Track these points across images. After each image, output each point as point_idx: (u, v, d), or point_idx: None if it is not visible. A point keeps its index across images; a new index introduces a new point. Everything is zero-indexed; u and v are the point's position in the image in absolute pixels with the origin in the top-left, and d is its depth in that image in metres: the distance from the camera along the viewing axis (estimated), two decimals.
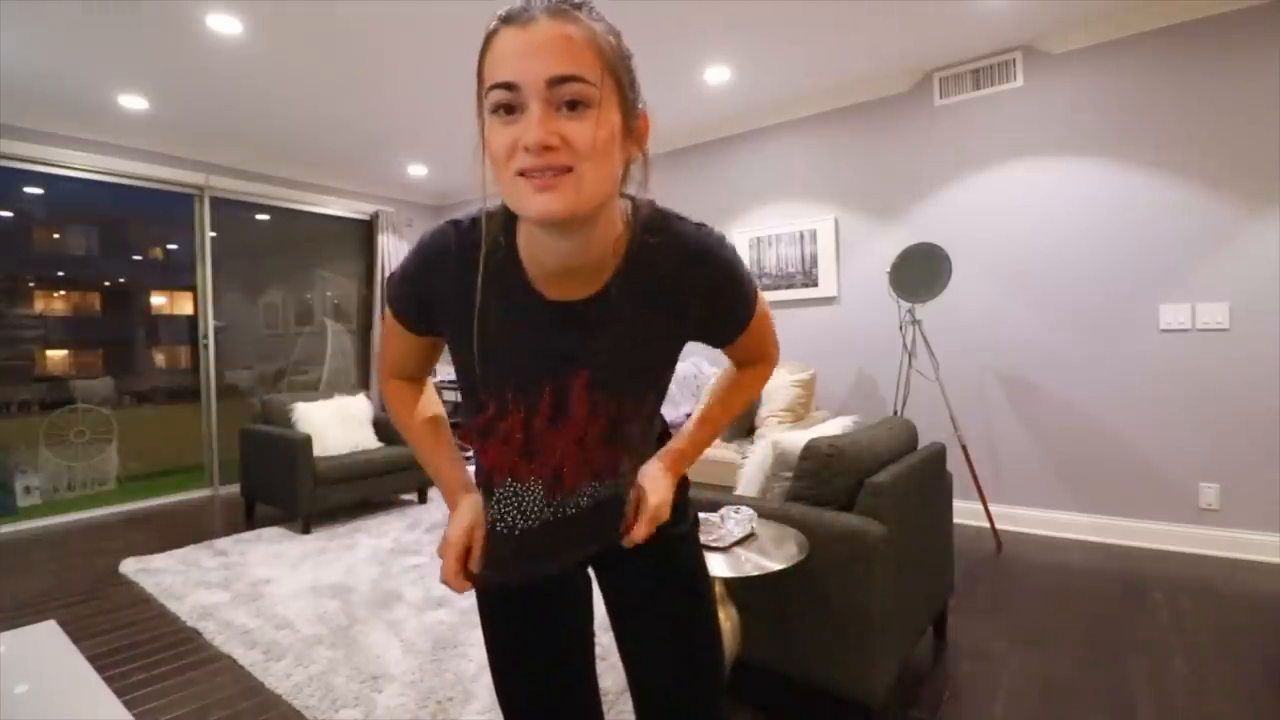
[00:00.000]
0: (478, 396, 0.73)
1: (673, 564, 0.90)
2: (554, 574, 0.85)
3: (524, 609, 0.87)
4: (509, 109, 0.59)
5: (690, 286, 0.73)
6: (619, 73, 0.62)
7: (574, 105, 0.58)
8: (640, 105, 0.66)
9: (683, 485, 0.93)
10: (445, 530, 0.79)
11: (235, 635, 2.29)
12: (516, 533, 0.77)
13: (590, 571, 0.94)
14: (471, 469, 0.84)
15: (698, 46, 3.23)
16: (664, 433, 0.95)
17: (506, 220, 0.71)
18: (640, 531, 0.80)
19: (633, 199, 0.72)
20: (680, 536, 0.91)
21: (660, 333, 0.74)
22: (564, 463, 0.75)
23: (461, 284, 0.71)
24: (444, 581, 0.77)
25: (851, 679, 1.54)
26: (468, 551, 0.78)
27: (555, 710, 0.87)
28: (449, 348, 0.79)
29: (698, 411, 0.93)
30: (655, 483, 0.84)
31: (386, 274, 5.69)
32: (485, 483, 0.78)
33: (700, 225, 0.74)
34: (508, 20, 0.60)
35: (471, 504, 0.80)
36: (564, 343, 0.71)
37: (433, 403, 0.89)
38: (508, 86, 0.58)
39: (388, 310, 0.81)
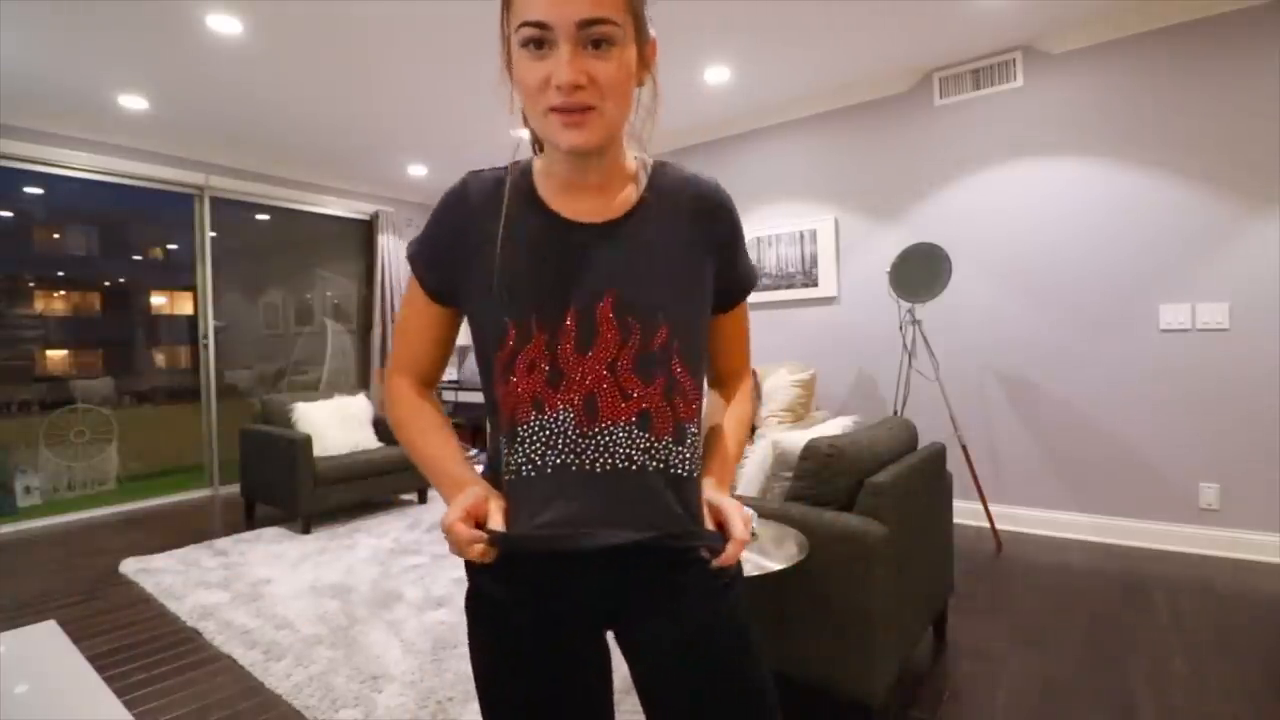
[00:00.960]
0: (498, 341, 0.71)
1: (720, 618, 0.74)
2: (576, 551, 0.69)
3: (526, 663, 0.74)
4: (539, 44, 0.63)
5: (710, 218, 0.77)
6: (637, 9, 0.66)
7: (599, 44, 0.63)
8: (651, 32, 0.70)
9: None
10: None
11: (235, 635, 2.29)
12: (549, 470, 0.69)
13: (610, 638, 0.79)
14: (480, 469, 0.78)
15: (698, 46, 3.23)
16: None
17: (525, 165, 0.77)
18: (734, 551, 0.69)
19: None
20: (729, 581, 0.76)
21: (684, 254, 0.75)
22: (595, 389, 0.69)
23: (482, 220, 0.74)
24: (458, 549, 0.64)
25: (851, 679, 1.54)
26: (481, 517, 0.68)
27: None
28: (468, 311, 0.76)
29: (712, 437, 0.84)
30: (726, 499, 0.74)
31: (387, 274, 5.70)
32: (508, 430, 0.71)
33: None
34: None
35: (482, 486, 0.71)
36: (587, 264, 0.71)
37: (438, 409, 0.82)
38: (540, 25, 0.62)
39: (409, 283, 0.81)
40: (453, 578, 2.80)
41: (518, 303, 0.70)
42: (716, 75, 3.57)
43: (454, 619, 2.38)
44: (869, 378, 3.83)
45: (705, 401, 0.86)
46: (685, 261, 0.74)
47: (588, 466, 0.69)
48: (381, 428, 4.25)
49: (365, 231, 5.82)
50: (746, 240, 4.19)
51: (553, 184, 0.74)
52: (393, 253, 5.78)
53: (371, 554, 3.16)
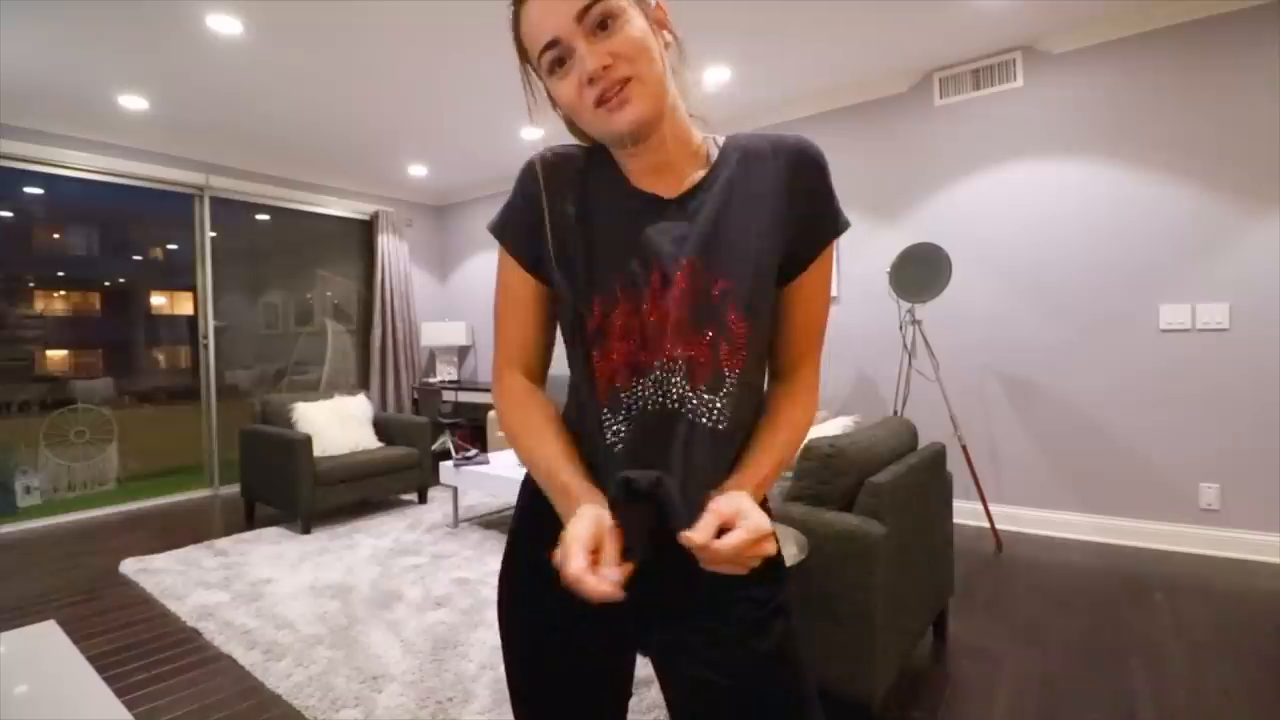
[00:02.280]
0: (586, 311, 0.71)
1: (768, 652, 0.71)
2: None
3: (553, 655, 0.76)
4: (560, 61, 0.66)
5: (787, 163, 0.73)
6: None
7: (604, 25, 0.65)
8: None
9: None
10: (563, 534, 0.61)
11: (235, 635, 2.29)
12: (635, 410, 0.69)
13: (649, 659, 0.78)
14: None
15: (698, 46, 3.23)
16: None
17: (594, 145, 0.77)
18: (734, 540, 0.58)
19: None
20: (778, 608, 0.72)
21: (757, 212, 0.72)
22: (672, 355, 0.68)
23: (560, 193, 0.74)
24: (573, 582, 0.57)
25: (851, 679, 1.54)
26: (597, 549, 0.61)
27: None
28: (553, 283, 0.75)
29: (758, 443, 0.75)
30: (740, 500, 0.62)
31: (387, 274, 5.70)
32: (608, 398, 0.70)
33: None
34: None
35: (594, 507, 0.64)
36: (666, 232, 0.71)
37: (544, 405, 0.77)
38: (551, 45, 0.66)
39: (499, 267, 0.79)
40: (453, 578, 2.80)
41: (604, 275, 0.71)
42: (716, 75, 3.57)
43: (454, 619, 2.38)
44: (869, 378, 3.83)
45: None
46: (763, 212, 0.72)
47: (665, 408, 0.69)
48: (381, 428, 4.24)
49: (365, 231, 5.82)
50: None
51: (627, 164, 0.75)
52: (392, 253, 5.78)
53: (371, 554, 3.16)
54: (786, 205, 0.72)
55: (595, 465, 0.72)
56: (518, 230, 0.77)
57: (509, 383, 0.78)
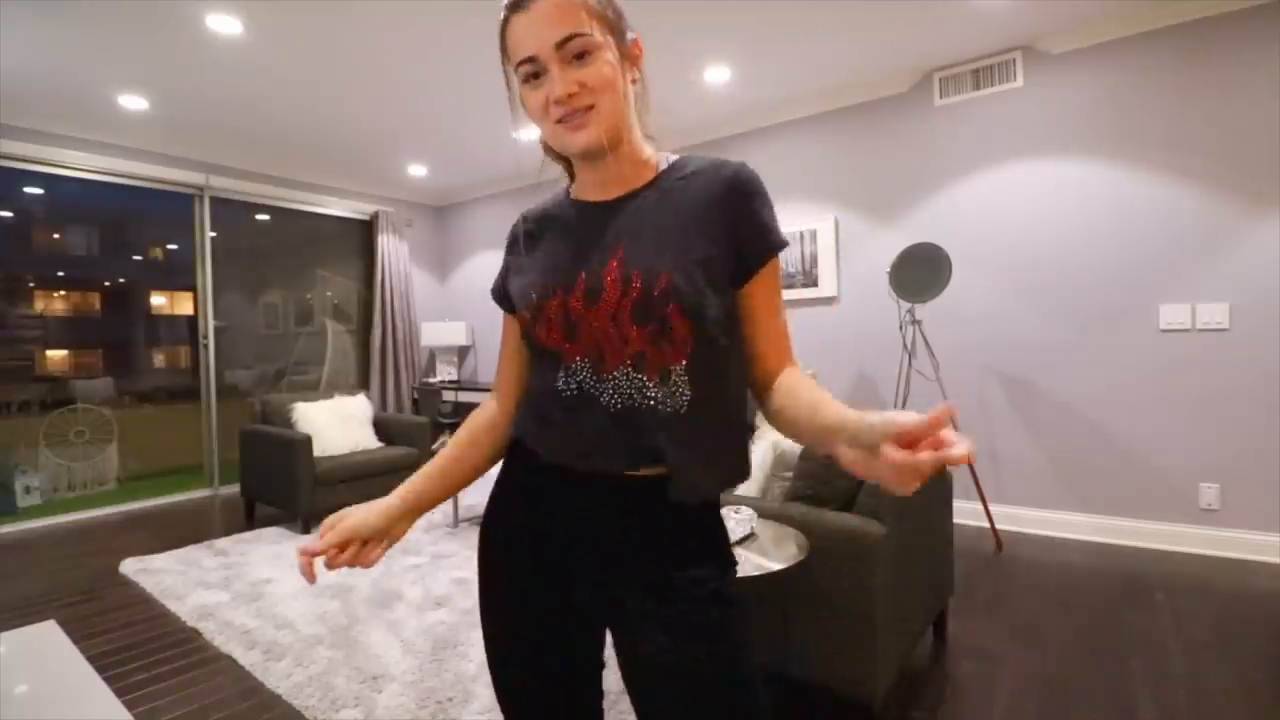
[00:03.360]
0: (524, 304, 0.81)
1: (702, 636, 0.73)
2: (574, 462, 0.76)
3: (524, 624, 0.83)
4: (535, 75, 0.74)
5: (726, 188, 0.77)
6: (607, 18, 0.75)
7: (581, 56, 0.72)
8: (630, 34, 0.78)
9: (714, 518, 0.80)
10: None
11: (235, 635, 2.29)
12: (565, 395, 0.77)
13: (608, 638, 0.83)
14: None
15: (698, 46, 3.23)
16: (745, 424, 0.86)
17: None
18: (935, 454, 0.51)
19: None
20: (714, 595, 0.74)
21: (689, 215, 0.76)
22: (602, 343, 0.75)
23: (526, 228, 0.88)
24: (298, 551, 0.77)
25: (851, 679, 1.54)
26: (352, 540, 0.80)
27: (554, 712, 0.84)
28: (515, 298, 0.85)
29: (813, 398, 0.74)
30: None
31: (386, 274, 5.70)
32: (544, 389, 0.81)
33: None
34: (513, 8, 0.74)
35: (378, 507, 0.82)
36: (598, 231, 0.79)
37: (468, 439, 0.89)
38: (530, 60, 0.73)
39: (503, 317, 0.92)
40: (453, 577, 2.80)
41: (542, 273, 0.80)
42: (716, 75, 3.57)
43: (454, 619, 2.38)
44: (869, 378, 3.83)
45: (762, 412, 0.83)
46: (694, 221, 0.76)
47: (596, 402, 0.75)
48: (381, 428, 4.24)
49: (365, 231, 5.82)
50: None
51: (582, 187, 0.85)
52: (392, 253, 5.78)
53: None
54: (719, 214, 0.76)
55: (539, 434, 0.81)
56: (500, 282, 0.89)
57: (475, 410, 0.93)
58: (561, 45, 0.71)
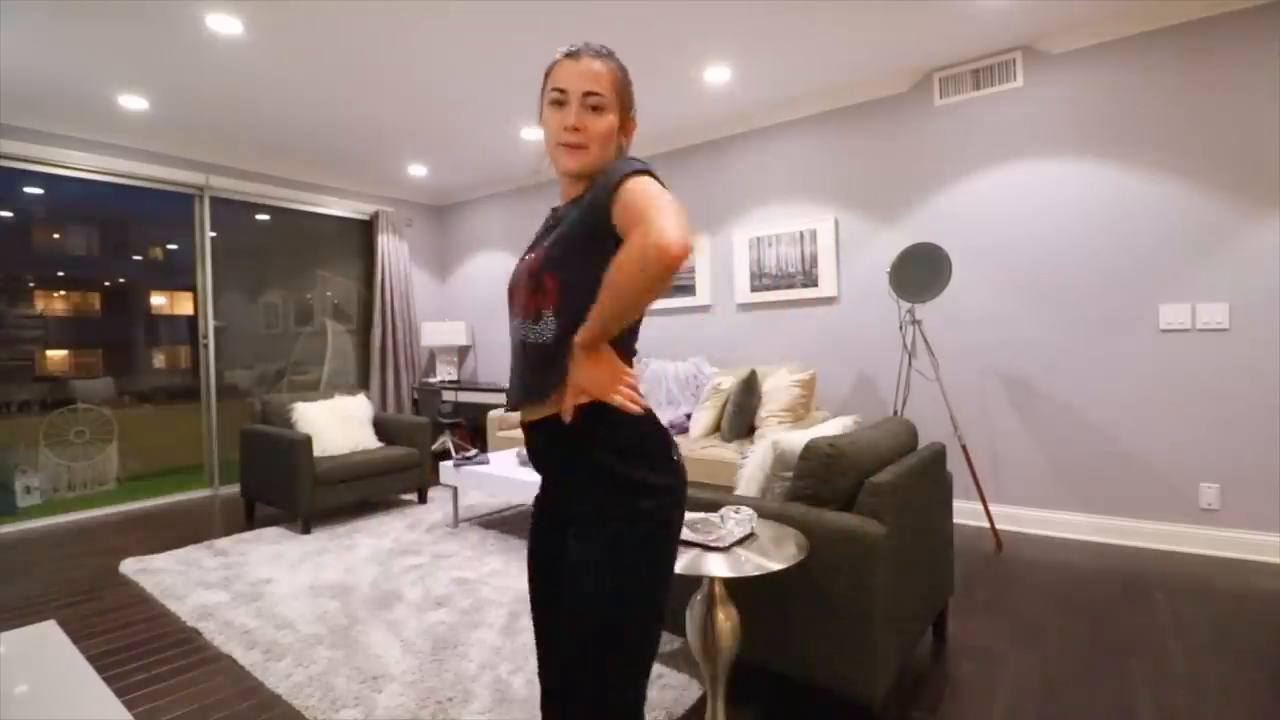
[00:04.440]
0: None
1: (575, 547, 0.98)
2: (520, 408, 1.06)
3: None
4: (560, 103, 1.03)
5: (610, 181, 0.97)
6: (622, 94, 1.07)
7: (595, 108, 1.02)
8: (633, 114, 1.10)
9: (613, 468, 0.96)
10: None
11: (235, 635, 2.29)
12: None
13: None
14: None
15: (698, 46, 3.23)
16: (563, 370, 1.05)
17: None
18: (564, 404, 0.97)
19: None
20: (586, 516, 0.98)
21: (577, 216, 1.01)
22: (525, 300, 1.05)
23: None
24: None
25: (851, 679, 1.54)
26: None
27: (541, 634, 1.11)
28: None
29: None
30: (576, 360, 0.95)
31: (386, 274, 5.70)
32: (512, 336, 1.11)
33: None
34: (569, 55, 1.04)
35: None
36: (547, 230, 1.10)
37: None
38: (561, 91, 1.03)
39: None
40: (453, 577, 2.80)
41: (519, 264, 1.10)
42: (716, 75, 3.57)
43: (454, 619, 2.38)
44: (869, 378, 3.83)
45: None
46: (577, 219, 1.00)
47: (518, 346, 1.06)
48: (381, 427, 4.25)
49: (365, 231, 5.82)
50: (747, 240, 4.22)
51: (560, 185, 1.12)
52: (392, 253, 5.78)
53: (371, 554, 3.16)
54: (605, 202, 0.95)
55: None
56: None
57: None
58: (586, 95, 1.01)
